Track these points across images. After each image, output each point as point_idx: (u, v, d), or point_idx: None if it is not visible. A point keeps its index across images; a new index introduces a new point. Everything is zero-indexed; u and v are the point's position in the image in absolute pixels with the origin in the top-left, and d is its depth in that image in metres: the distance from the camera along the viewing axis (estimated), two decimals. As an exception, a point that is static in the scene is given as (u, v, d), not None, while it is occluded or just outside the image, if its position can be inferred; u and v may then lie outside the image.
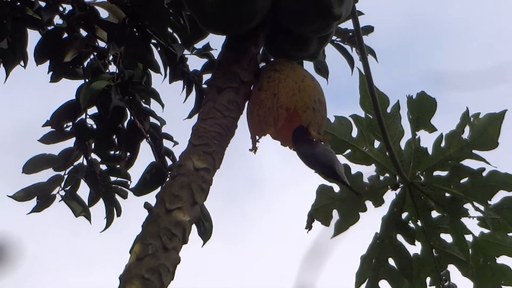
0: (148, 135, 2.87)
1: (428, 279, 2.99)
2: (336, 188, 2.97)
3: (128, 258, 1.99)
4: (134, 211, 2.76)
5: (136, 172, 2.94)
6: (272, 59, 2.44)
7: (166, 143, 2.96)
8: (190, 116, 3.00)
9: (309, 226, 2.98)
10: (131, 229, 2.12)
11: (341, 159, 2.96)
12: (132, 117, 2.87)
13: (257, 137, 2.28)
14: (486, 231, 2.93)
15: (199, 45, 3.00)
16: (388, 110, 2.93)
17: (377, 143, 2.96)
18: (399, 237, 3.00)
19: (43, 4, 2.83)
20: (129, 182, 3.00)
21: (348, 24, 3.07)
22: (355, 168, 2.98)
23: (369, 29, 3.09)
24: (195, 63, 3.02)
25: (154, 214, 2.06)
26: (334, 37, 3.10)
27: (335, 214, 2.98)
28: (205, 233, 2.86)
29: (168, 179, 2.66)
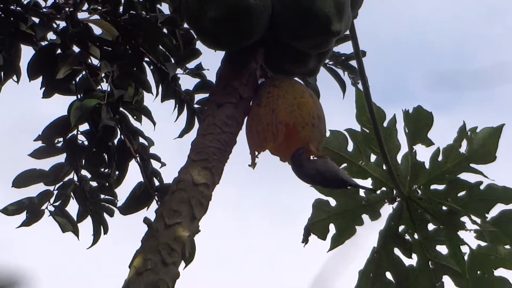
0: (137, 155, 2.87)
1: (423, 291, 2.99)
2: (333, 202, 2.96)
3: (127, 273, 1.99)
4: (133, 225, 2.76)
5: (123, 191, 2.96)
6: (271, 75, 2.44)
7: (154, 164, 2.97)
8: (181, 136, 3.01)
9: (305, 240, 2.97)
10: (130, 243, 2.12)
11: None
12: (122, 136, 2.89)
13: (256, 153, 2.28)
14: (483, 244, 2.93)
15: (191, 64, 3.02)
16: (385, 124, 2.93)
17: (373, 157, 2.96)
18: (396, 251, 3.00)
19: (36, 20, 2.84)
20: (116, 201, 3.01)
21: (340, 48, 3.08)
22: (351, 182, 2.98)
23: (361, 53, 3.07)
24: (187, 82, 3.04)
25: (154, 229, 2.05)
26: (326, 60, 3.10)
27: (332, 228, 2.99)
28: (188, 257, 2.85)
29: (155, 199, 2.72)
